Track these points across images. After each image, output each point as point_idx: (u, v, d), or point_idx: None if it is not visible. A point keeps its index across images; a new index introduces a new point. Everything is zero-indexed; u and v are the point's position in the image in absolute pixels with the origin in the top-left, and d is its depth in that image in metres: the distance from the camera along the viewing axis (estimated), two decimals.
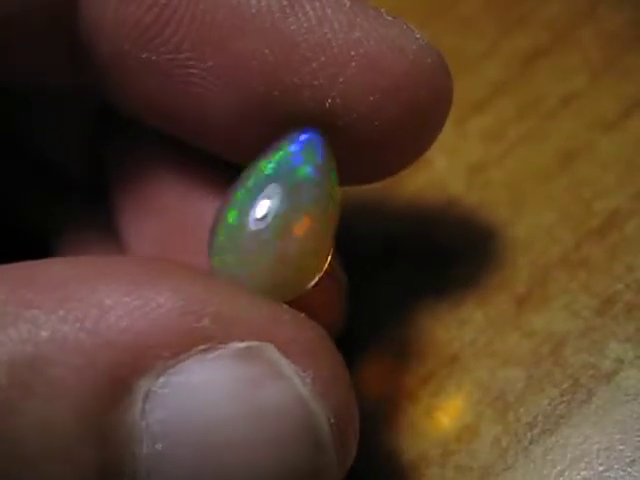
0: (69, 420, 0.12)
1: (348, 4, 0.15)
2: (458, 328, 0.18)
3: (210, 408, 0.12)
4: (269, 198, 0.14)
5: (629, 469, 0.15)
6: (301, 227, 0.14)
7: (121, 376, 0.12)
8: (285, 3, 0.14)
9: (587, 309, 0.17)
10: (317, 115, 0.15)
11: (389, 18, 0.15)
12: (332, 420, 0.12)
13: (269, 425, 0.12)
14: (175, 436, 0.12)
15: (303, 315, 0.13)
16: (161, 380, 0.12)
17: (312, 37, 0.14)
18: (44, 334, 0.12)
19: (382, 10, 0.15)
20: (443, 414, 0.17)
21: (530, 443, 0.16)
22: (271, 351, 0.12)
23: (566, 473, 0.16)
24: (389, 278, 0.19)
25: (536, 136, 0.20)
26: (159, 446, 0.12)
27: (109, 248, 0.19)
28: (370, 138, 0.15)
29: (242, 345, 0.12)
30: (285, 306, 0.13)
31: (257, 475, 0.12)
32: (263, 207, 0.14)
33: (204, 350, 0.12)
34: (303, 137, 0.15)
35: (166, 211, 0.17)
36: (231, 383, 0.12)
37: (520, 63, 0.21)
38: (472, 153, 0.20)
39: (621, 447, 0.15)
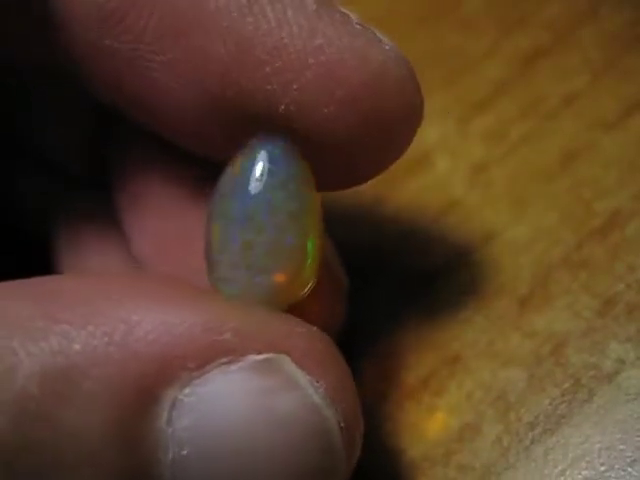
0: (100, 427, 0.12)
1: (313, 7, 0.14)
2: (460, 328, 0.18)
3: (232, 416, 0.13)
4: (249, 212, 0.14)
5: (630, 469, 0.15)
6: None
7: (149, 386, 0.12)
8: (244, 2, 0.14)
9: (588, 309, 0.17)
10: (272, 118, 0.15)
11: (357, 26, 0.14)
12: (342, 424, 0.13)
13: (286, 431, 0.13)
14: (199, 442, 0.13)
15: (315, 328, 0.14)
16: (187, 390, 0.13)
17: (269, 40, 0.14)
18: (76, 347, 0.12)
19: (351, 16, 0.14)
20: (445, 414, 0.17)
21: (531, 443, 0.16)
22: (287, 363, 0.13)
23: (567, 472, 0.16)
24: (391, 278, 0.19)
25: (537, 136, 0.20)
26: (184, 451, 0.12)
27: (110, 249, 0.19)
28: (330, 144, 0.15)
29: (260, 357, 0.13)
30: (298, 320, 0.14)
31: (276, 477, 0.13)
32: (247, 222, 0.14)
33: (226, 362, 0.13)
34: (266, 142, 0.15)
35: (167, 211, 0.17)
36: (252, 393, 0.13)
37: (521, 63, 0.21)
38: (474, 153, 0.20)
39: (622, 447, 0.16)
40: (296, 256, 0.14)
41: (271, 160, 0.14)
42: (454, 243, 0.19)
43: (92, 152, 0.19)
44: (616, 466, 0.15)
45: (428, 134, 0.20)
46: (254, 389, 0.13)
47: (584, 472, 0.15)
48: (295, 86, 0.14)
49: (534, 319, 0.17)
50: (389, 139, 0.15)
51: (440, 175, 0.20)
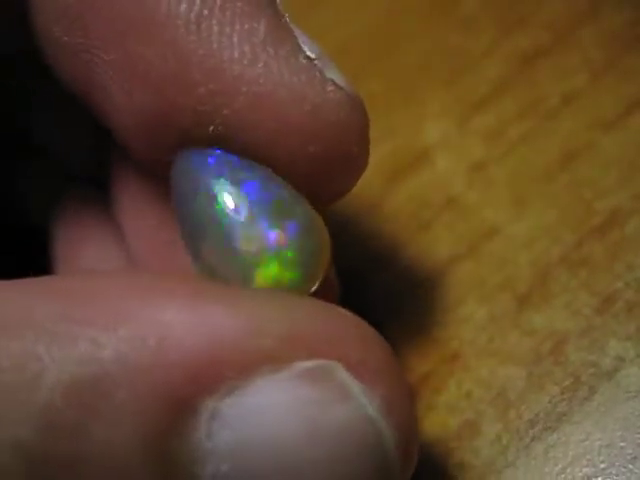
0: (132, 442, 0.11)
1: (262, 36, 0.14)
2: (459, 326, 0.18)
3: (278, 429, 0.12)
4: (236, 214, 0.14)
5: (630, 466, 0.15)
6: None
7: (186, 397, 0.11)
8: (193, 20, 0.14)
9: (588, 307, 0.17)
10: (203, 137, 0.14)
11: (303, 61, 0.14)
12: (397, 437, 0.12)
13: (338, 446, 0.12)
14: (241, 457, 0.12)
15: (371, 329, 0.13)
16: (227, 400, 0.12)
17: (207, 61, 0.14)
18: (106, 354, 0.11)
19: (305, 49, 0.14)
20: (444, 412, 0.17)
21: (531, 440, 0.16)
22: (339, 371, 0.12)
23: (567, 470, 0.16)
24: (390, 277, 0.19)
25: (537, 136, 0.20)
26: (225, 467, 0.11)
27: (108, 249, 0.19)
28: (270, 165, 0.14)
29: (310, 364, 0.12)
30: (351, 316, 0.13)
31: None
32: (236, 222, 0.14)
33: (271, 369, 0.12)
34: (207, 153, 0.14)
35: (165, 211, 0.17)
36: (299, 404, 0.12)
37: (520, 63, 0.21)
38: (473, 152, 0.20)
39: (622, 444, 0.15)
40: (302, 244, 0.14)
41: (225, 169, 0.14)
42: (453, 241, 0.19)
43: (92, 152, 0.20)
44: (617, 463, 0.15)
45: (428, 133, 0.21)
46: (302, 400, 0.12)
47: (584, 470, 0.15)
48: (225, 111, 0.14)
49: (533, 317, 0.17)
50: (326, 179, 0.14)
51: (440, 173, 0.20)
